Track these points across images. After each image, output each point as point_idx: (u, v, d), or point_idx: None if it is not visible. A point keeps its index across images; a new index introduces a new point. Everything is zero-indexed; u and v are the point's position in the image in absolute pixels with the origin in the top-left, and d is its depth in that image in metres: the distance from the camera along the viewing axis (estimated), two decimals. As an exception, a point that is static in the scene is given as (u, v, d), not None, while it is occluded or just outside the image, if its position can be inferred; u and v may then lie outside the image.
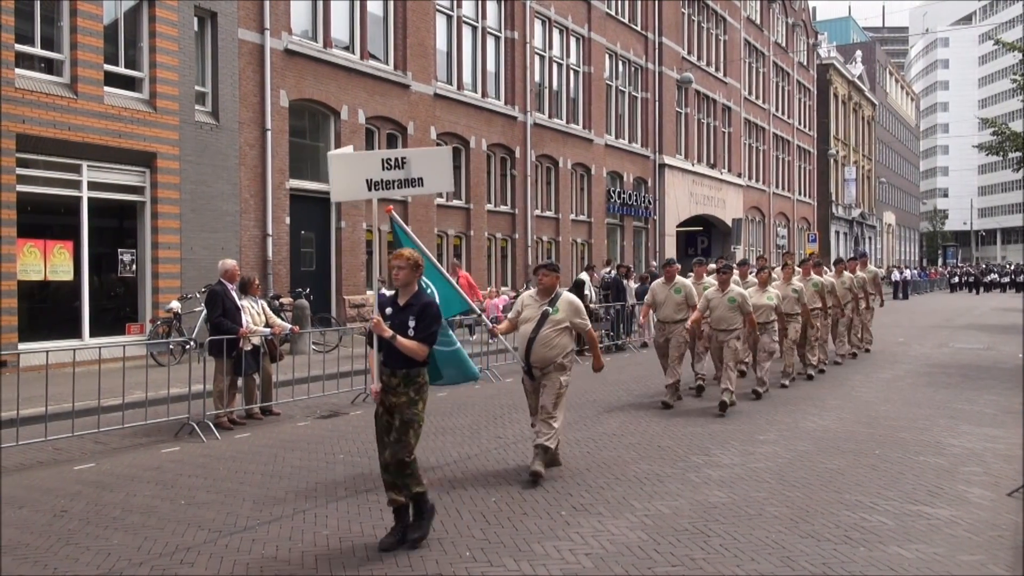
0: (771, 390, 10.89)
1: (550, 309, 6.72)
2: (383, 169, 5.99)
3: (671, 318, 10.05)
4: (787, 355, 11.61)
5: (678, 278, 10.32)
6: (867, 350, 15.53)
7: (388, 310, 5.26)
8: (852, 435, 8.18)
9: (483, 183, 21.07)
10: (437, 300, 6.20)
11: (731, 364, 9.66)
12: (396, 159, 5.99)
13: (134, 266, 13.33)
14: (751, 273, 12.87)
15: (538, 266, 7.01)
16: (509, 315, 7.12)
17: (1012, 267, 56.58)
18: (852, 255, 16.86)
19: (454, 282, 7.54)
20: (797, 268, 12.77)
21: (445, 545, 5.03)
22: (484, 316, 7.01)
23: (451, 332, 7.03)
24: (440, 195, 19.74)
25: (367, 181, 6.03)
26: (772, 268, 13.24)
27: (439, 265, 7.44)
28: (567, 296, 6.89)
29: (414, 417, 5.05)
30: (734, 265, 11.35)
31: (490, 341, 12.18)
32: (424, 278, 6.53)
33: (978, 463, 7.06)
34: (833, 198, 51.01)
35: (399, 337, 5.01)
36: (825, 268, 14.37)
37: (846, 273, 14.43)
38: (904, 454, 7.37)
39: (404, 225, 7.29)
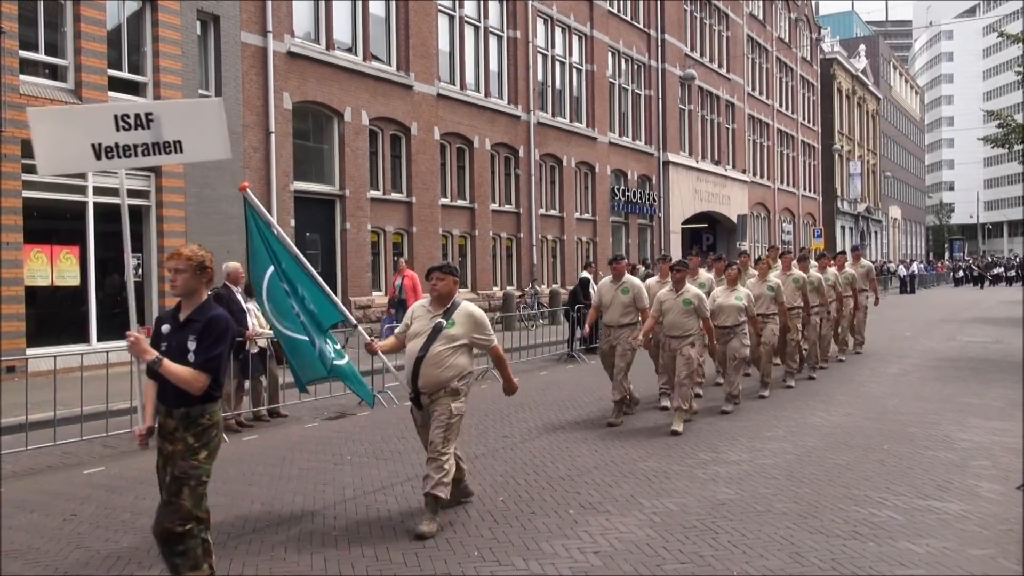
0: (775, 389, 10.67)
1: (444, 322, 5.45)
2: (118, 130, 4.53)
3: (617, 322, 8.83)
4: (764, 362, 10.29)
5: (627, 276, 9.15)
6: (857, 352, 14.41)
7: (165, 327, 4.10)
8: (860, 430, 8.16)
9: (487, 183, 21.06)
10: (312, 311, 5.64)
11: (684, 378, 8.32)
12: (139, 116, 4.55)
13: (140, 270, 13.36)
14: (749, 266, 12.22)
15: (431, 268, 5.67)
16: (396, 329, 5.89)
17: (1017, 260, 56.29)
18: (855, 247, 15.82)
19: (326, 287, 6.12)
20: (775, 262, 11.96)
21: (453, 544, 5.03)
22: (360, 328, 5.84)
23: (339, 346, 6.25)
24: (445, 195, 19.75)
25: (93, 147, 4.57)
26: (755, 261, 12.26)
27: (309, 267, 6.13)
28: (467, 307, 5.57)
29: (192, 471, 3.93)
30: (688, 260, 10.68)
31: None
32: (293, 285, 5.90)
33: (987, 457, 7.03)
34: (838, 193, 50.88)
35: (165, 362, 3.88)
36: (811, 262, 12.89)
37: (831, 269, 13.11)
38: (913, 449, 7.35)
39: (262, 209, 6.07)
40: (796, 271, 11.53)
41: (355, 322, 6.27)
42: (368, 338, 5.90)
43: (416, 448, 7.60)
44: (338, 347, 6.25)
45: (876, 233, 61.01)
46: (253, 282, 6.32)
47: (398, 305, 14.42)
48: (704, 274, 11.20)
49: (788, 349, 11.16)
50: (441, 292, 5.51)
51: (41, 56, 12.09)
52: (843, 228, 52.32)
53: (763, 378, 10.34)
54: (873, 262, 49.10)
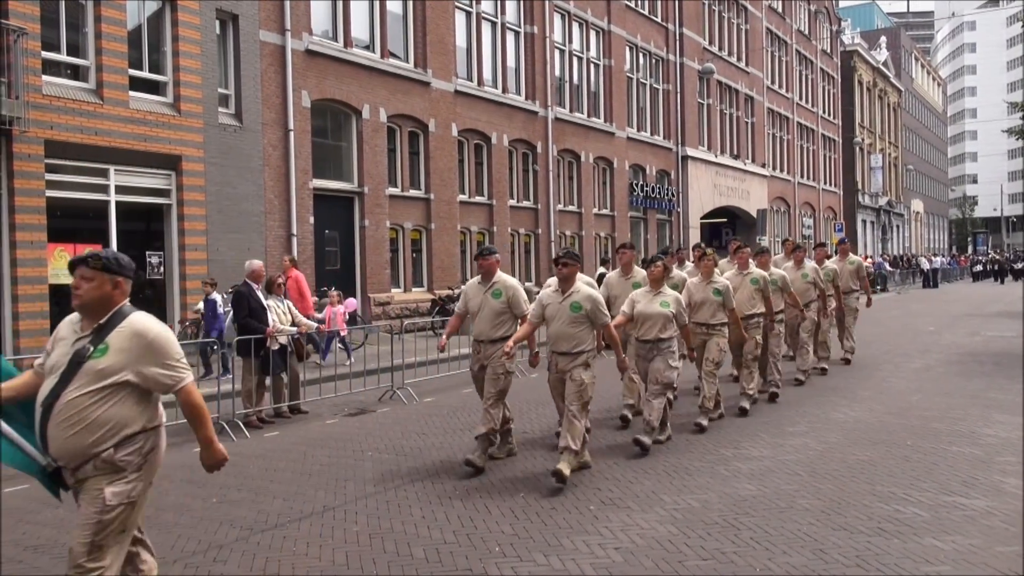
0: (782, 388, 9.79)
1: (94, 349, 3.50)
2: None
3: (564, 333, 6.57)
4: (707, 382, 8.26)
5: (636, 269, 8.40)
6: (846, 360, 12.51)
7: None
8: (884, 426, 8.08)
9: (505, 179, 21.05)
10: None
11: (577, 410, 6.40)
12: None
13: (162, 268, 13.48)
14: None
15: (73, 261, 3.67)
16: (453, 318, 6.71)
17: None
18: (842, 240, 14.27)
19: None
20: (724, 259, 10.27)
21: (474, 540, 5.03)
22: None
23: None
24: (463, 192, 19.78)
25: None
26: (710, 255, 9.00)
27: None
28: (135, 325, 3.55)
29: None
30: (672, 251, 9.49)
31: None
32: None
33: (1013, 453, 6.94)
34: (859, 187, 50.39)
35: None
36: (786, 256, 11.70)
37: (809, 263, 11.33)
38: (937, 444, 7.27)
39: None
40: (755, 269, 9.37)
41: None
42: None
43: (436, 445, 7.62)
44: None
45: (898, 227, 60.39)
46: None
47: None
48: (678, 272, 9.46)
49: (745, 361, 9.15)
50: (86, 299, 3.62)
51: (63, 56, 12.20)
52: (864, 222, 51.83)
53: (702, 403, 8.27)
54: (896, 255, 48.84)
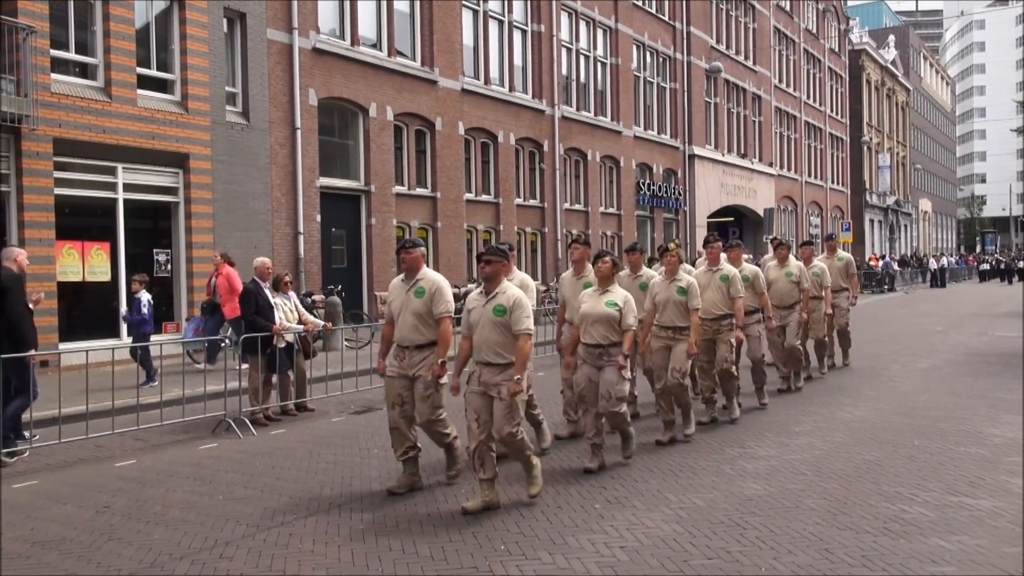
0: (783, 391, 9.86)
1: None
2: None
3: (487, 340, 5.68)
4: (678, 393, 7.43)
5: (644, 270, 7.98)
6: (845, 363, 12.17)
7: None
8: (890, 425, 8.06)
9: (512, 178, 21.05)
10: None
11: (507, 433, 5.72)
12: None
13: (169, 266, 13.53)
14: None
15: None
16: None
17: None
18: (829, 236, 13.06)
19: None
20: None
21: (480, 538, 5.04)
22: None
23: None
24: (469, 190, 19.78)
25: None
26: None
27: None
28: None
29: None
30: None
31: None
32: None
33: (1020, 453, 6.91)
34: (867, 186, 50.23)
35: None
36: (753, 253, 10.76)
37: (795, 262, 10.46)
38: (944, 444, 7.25)
39: None
40: (726, 265, 8.40)
41: None
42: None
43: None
44: None
45: (906, 226, 60.18)
46: None
47: (211, 310, 12.07)
48: (648, 271, 8.31)
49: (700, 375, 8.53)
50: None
51: (71, 55, 12.25)
52: (872, 221, 51.67)
53: (665, 417, 7.54)
54: (905, 255, 48.67)
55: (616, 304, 6.42)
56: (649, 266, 9.07)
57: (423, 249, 6.26)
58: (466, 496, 5.85)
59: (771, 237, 10.59)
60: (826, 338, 11.41)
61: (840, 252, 12.46)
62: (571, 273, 7.69)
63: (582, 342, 6.61)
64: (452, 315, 6.00)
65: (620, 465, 6.69)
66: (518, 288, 5.81)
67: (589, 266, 7.49)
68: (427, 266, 6.25)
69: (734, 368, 8.20)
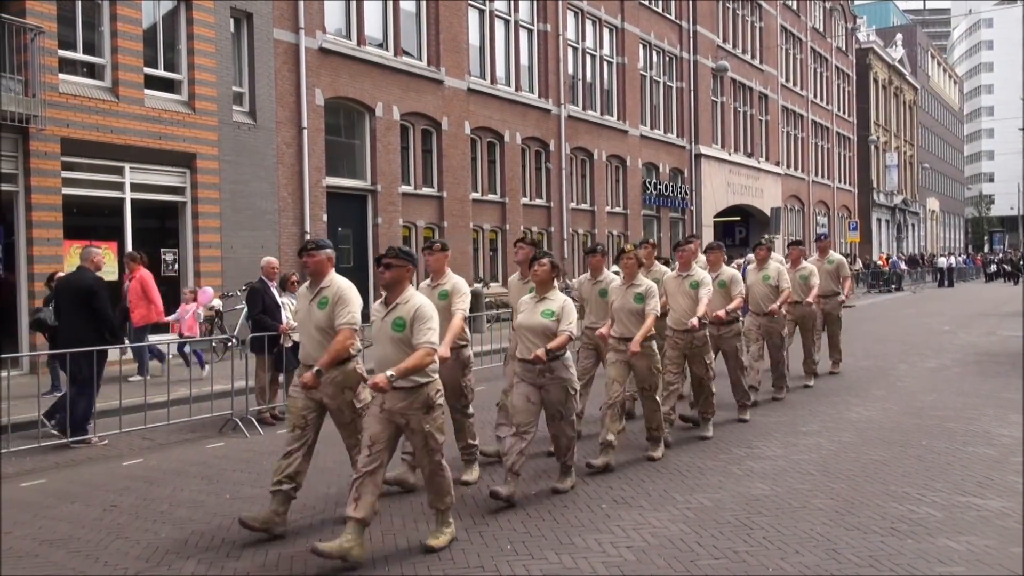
0: (787, 390, 9.58)
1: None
2: None
3: (387, 359, 5.00)
4: (609, 420, 6.53)
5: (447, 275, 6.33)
6: (833, 371, 11.33)
7: None
8: (898, 426, 8.04)
9: (518, 177, 21.05)
10: None
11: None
12: None
13: (176, 265, 13.56)
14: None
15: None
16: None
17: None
18: (819, 236, 12.20)
19: None
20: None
21: (486, 538, 5.04)
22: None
23: None
24: (476, 190, 19.78)
25: None
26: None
27: None
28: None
29: None
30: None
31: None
32: None
33: (1022, 453, 6.90)
34: (874, 185, 50.07)
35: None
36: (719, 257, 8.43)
37: (774, 264, 9.51)
38: (952, 444, 7.22)
39: None
40: (699, 270, 7.59)
41: None
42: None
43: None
44: None
45: (913, 225, 59.98)
46: None
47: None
48: (608, 275, 7.49)
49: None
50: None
51: (79, 55, 12.30)
52: (879, 221, 51.51)
53: (604, 438, 6.58)
54: (914, 254, 48.46)
55: (553, 313, 5.68)
56: (667, 265, 8.58)
57: (330, 252, 5.44)
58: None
59: (758, 240, 9.68)
60: (815, 343, 10.60)
61: (832, 253, 11.64)
62: (517, 276, 7.02)
63: (517, 357, 5.84)
64: (355, 327, 5.18)
65: (626, 465, 6.68)
66: (424, 299, 4.90)
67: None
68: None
69: (712, 385, 7.58)
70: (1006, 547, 4.77)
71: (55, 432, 7.81)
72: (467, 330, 6.25)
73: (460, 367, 6.12)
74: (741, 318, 8.29)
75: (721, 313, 7.82)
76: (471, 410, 6.30)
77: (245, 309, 10.34)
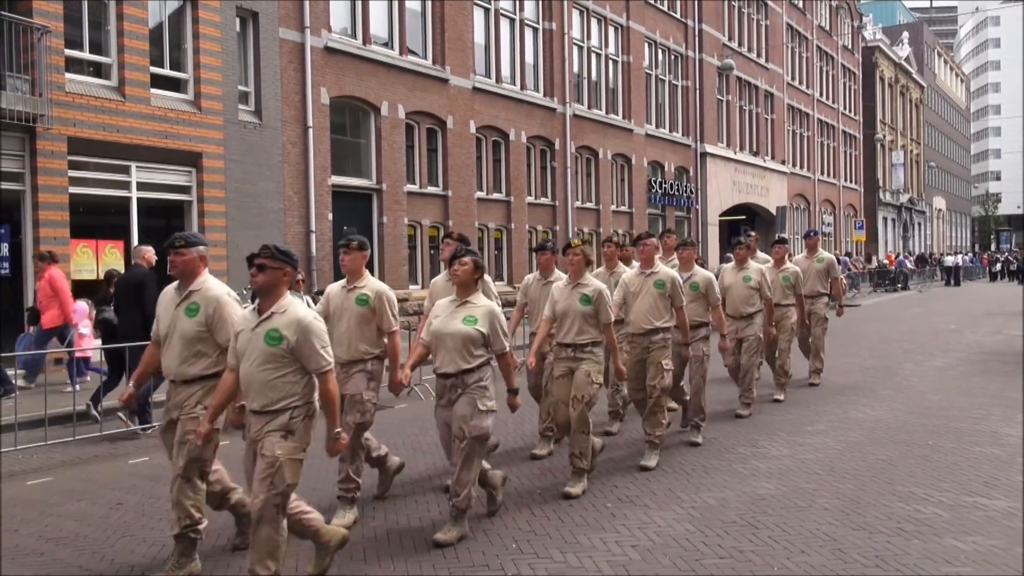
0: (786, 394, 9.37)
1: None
2: None
3: (254, 379, 4.31)
4: (577, 439, 5.90)
5: (659, 265, 6.77)
6: (812, 383, 10.35)
7: None
8: (904, 425, 8.01)
9: (523, 176, 21.04)
10: None
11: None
12: None
13: (182, 264, 13.57)
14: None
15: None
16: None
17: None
18: (809, 233, 11.52)
19: None
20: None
21: (491, 536, 5.04)
22: None
23: None
24: (481, 188, 19.78)
25: None
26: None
27: None
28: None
29: None
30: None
31: None
32: None
33: (1035, 453, 6.87)
34: (880, 184, 49.93)
35: None
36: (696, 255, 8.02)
37: (755, 264, 8.83)
38: (959, 444, 7.20)
39: None
40: (662, 267, 6.86)
41: None
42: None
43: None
44: None
45: (920, 224, 59.81)
46: None
47: (32, 318, 10.43)
48: (559, 274, 6.88)
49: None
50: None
51: (85, 54, 12.32)
52: (885, 220, 51.37)
53: (575, 454, 5.96)
54: (921, 254, 48.31)
55: (475, 320, 4.99)
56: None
57: (202, 249, 4.70)
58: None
59: (737, 239, 8.95)
60: (787, 349, 9.67)
61: (821, 252, 10.81)
62: (443, 275, 6.52)
63: (435, 371, 5.12)
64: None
65: (631, 464, 6.67)
66: (307, 308, 4.23)
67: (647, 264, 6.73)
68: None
69: (664, 399, 6.72)
70: (1013, 547, 4.75)
71: (126, 421, 8.18)
72: (381, 341, 5.58)
73: (365, 379, 5.45)
74: (711, 323, 7.65)
75: (724, 344, 7.75)
76: (366, 434, 5.56)
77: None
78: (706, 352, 7.39)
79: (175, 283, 4.71)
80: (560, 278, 6.42)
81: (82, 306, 10.32)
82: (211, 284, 4.65)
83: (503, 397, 5.22)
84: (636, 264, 7.21)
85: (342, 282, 5.61)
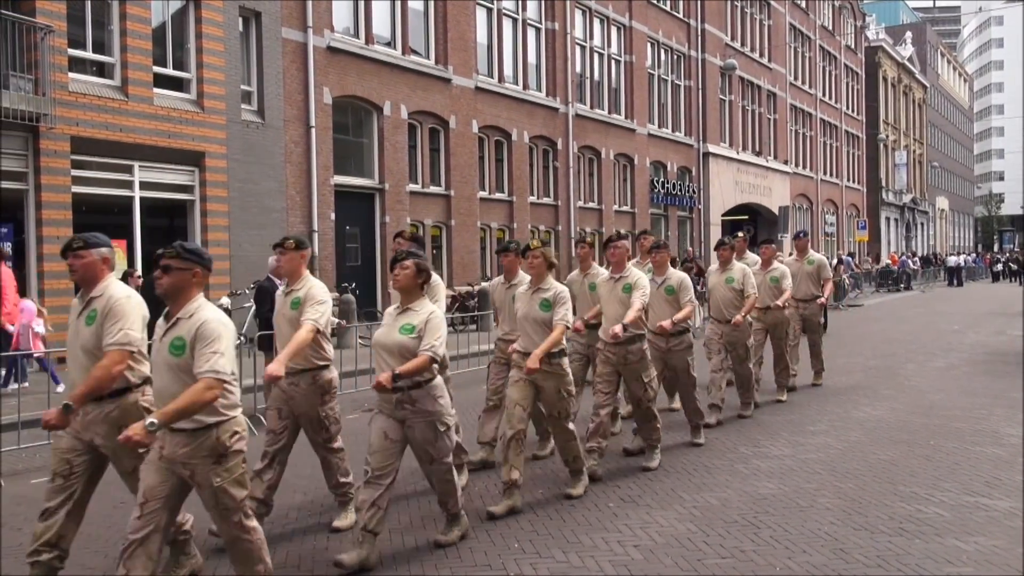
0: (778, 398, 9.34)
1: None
2: None
3: (165, 390, 4.04)
4: (566, 449, 5.82)
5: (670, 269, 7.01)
6: (815, 383, 10.30)
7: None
8: (906, 425, 8.01)
9: (525, 176, 21.05)
10: None
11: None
12: None
13: (185, 263, 13.60)
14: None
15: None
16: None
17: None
18: (798, 233, 10.99)
19: None
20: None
21: (493, 536, 5.05)
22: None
23: None
24: (483, 188, 19.79)
25: None
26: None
27: None
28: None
29: None
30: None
31: None
32: None
33: (1038, 453, 6.87)
34: (883, 184, 49.88)
35: None
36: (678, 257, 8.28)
37: (738, 264, 8.41)
38: (960, 444, 7.20)
39: None
40: (634, 270, 6.48)
41: None
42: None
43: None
44: None
45: (923, 224, 59.74)
46: None
47: None
48: (523, 276, 6.34)
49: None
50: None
51: (89, 54, 12.35)
52: (888, 220, 51.32)
53: (566, 457, 5.89)
54: (925, 254, 48.26)
55: (413, 328, 4.58)
56: (673, 266, 7.49)
57: (104, 251, 4.15)
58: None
59: (729, 239, 8.64)
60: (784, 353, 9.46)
61: (812, 253, 10.40)
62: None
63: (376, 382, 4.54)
64: (129, 348, 3.97)
65: (632, 464, 6.67)
66: (216, 312, 3.75)
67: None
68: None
69: (653, 405, 6.51)
70: (1015, 547, 4.75)
71: None
72: (328, 348, 5.13)
73: (317, 393, 5.05)
74: (693, 328, 7.36)
75: (666, 324, 6.71)
76: (338, 443, 5.19)
77: (253, 307, 10.38)
78: (691, 362, 7.11)
79: (79, 292, 4.18)
80: (524, 281, 5.96)
81: (29, 305, 10.03)
82: (113, 289, 4.06)
83: (462, 406, 4.91)
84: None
85: (281, 287, 5.30)
